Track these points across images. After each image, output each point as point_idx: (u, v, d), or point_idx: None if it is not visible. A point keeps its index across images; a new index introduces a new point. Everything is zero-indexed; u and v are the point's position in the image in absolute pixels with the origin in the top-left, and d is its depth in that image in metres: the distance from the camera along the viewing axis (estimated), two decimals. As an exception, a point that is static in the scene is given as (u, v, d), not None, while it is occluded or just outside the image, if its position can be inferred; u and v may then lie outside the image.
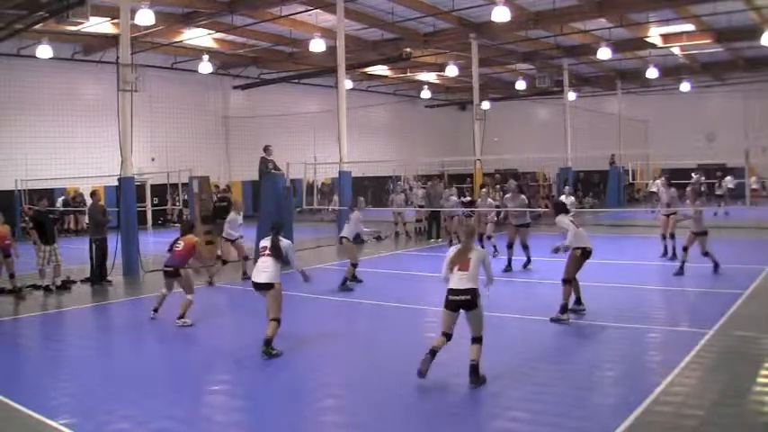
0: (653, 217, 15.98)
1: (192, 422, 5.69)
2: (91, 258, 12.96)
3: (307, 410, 5.92)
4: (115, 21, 18.30)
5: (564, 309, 8.71)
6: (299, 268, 8.22)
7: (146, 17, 17.22)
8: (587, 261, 8.90)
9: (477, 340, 6.41)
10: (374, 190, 30.08)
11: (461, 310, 6.46)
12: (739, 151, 22.09)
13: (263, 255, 7.81)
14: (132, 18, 15.74)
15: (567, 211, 9.30)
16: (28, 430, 5.61)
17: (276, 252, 7.74)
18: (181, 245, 9.50)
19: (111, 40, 20.26)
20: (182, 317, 9.24)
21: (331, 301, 11.06)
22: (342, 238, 12.17)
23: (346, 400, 6.29)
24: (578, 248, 8.78)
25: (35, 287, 12.18)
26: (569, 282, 8.79)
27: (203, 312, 10.67)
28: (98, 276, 12.84)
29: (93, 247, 12.91)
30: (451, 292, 6.50)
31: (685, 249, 11.81)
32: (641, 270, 11.98)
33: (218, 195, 17.74)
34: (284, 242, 7.92)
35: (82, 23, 14.76)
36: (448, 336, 6.47)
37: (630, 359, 7.19)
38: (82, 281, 12.91)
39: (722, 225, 21.14)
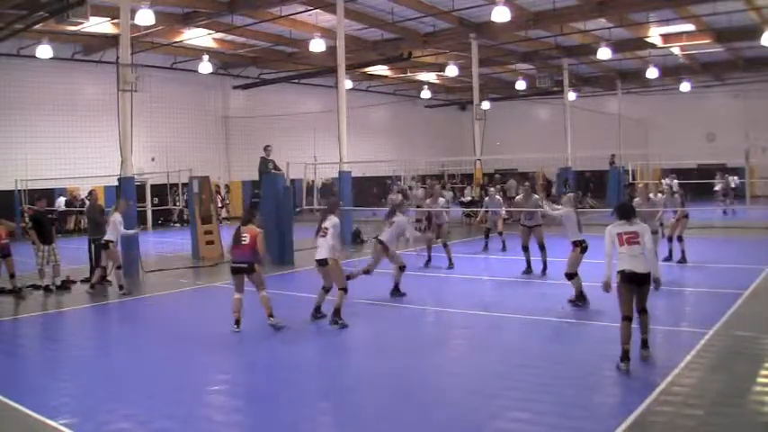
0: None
1: (192, 422, 5.69)
2: (90, 258, 12.96)
3: (307, 410, 5.92)
4: (115, 21, 18.30)
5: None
6: (336, 248, 8.86)
7: (146, 17, 17.21)
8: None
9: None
10: (366, 189, 29.95)
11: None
12: (739, 151, 22.11)
13: (320, 236, 8.83)
14: (132, 18, 15.74)
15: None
16: (28, 430, 5.62)
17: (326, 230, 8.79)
18: (247, 237, 8.64)
19: (111, 40, 20.28)
20: (271, 315, 8.72)
21: (330, 301, 11.05)
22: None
23: (346, 400, 6.28)
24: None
25: (35, 287, 12.18)
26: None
27: (203, 312, 10.68)
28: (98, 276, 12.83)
29: (93, 246, 12.92)
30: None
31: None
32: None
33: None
34: (332, 220, 8.87)
35: (82, 23, 14.76)
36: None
37: (631, 359, 7.18)
38: (82, 281, 12.91)
39: (723, 225, 21.19)
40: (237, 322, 8.68)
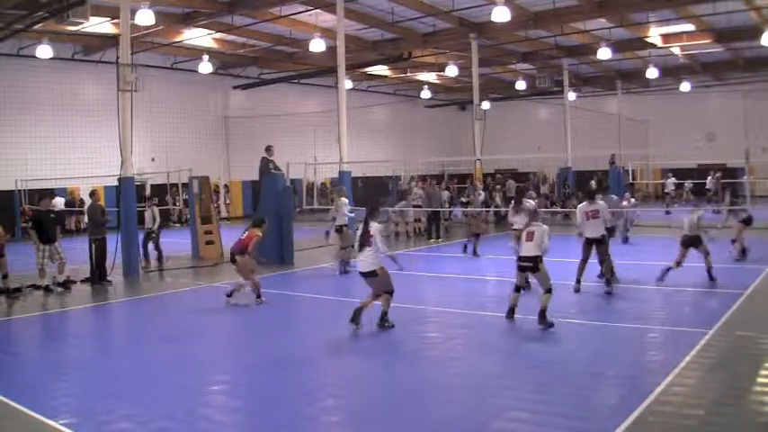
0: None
1: (192, 422, 5.68)
2: (90, 258, 12.96)
3: (307, 410, 5.91)
4: (115, 21, 18.31)
5: None
6: (385, 252, 8.50)
7: (146, 17, 17.22)
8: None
9: (548, 291, 8.39)
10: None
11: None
12: (739, 151, 22.04)
13: (365, 246, 8.36)
14: (132, 18, 15.73)
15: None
16: (28, 430, 5.61)
17: (369, 237, 8.27)
18: (245, 234, 10.38)
19: (111, 40, 20.26)
20: (230, 294, 10.26)
21: (330, 300, 11.07)
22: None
23: (346, 400, 6.28)
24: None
25: (35, 287, 12.16)
26: None
27: (203, 312, 10.67)
28: (98, 276, 12.84)
29: (93, 246, 12.91)
30: (521, 259, 8.55)
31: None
32: (640, 269, 11.96)
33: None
34: (374, 226, 8.38)
35: (82, 23, 14.78)
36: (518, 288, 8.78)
37: (630, 359, 7.19)
38: (82, 281, 12.90)
39: (723, 225, 21.12)
40: (230, 294, 10.33)
